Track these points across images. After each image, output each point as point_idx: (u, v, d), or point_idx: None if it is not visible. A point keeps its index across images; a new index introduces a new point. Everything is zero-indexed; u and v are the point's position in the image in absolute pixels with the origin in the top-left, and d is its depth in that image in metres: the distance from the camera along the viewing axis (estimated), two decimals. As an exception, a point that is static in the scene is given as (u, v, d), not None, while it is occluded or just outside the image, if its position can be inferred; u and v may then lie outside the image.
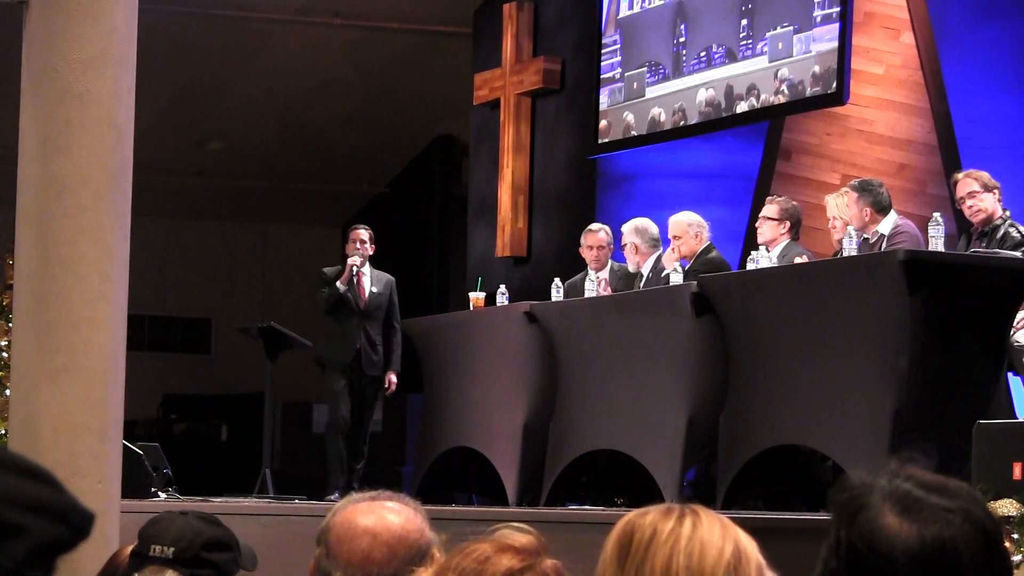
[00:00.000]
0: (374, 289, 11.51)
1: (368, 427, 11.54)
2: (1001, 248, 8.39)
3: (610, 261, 10.77)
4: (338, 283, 11.43)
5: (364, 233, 11.54)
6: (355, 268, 11.40)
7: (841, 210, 9.30)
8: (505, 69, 13.53)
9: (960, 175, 8.91)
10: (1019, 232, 8.54)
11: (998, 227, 8.59)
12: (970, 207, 8.64)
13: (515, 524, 2.42)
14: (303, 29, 15.47)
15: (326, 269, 11.66)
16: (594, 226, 10.94)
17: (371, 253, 11.54)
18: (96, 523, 1.76)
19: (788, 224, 9.59)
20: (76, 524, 1.68)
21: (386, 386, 11.51)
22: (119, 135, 5.85)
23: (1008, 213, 8.71)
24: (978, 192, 8.66)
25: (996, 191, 8.70)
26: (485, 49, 14.00)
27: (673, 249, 10.05)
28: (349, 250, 11.55)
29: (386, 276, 11.64)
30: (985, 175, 8.85)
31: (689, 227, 10.01)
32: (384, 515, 2.98)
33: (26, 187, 5.88)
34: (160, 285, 17.71)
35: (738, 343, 8.81)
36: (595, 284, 10.44)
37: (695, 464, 9.19)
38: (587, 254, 10.79)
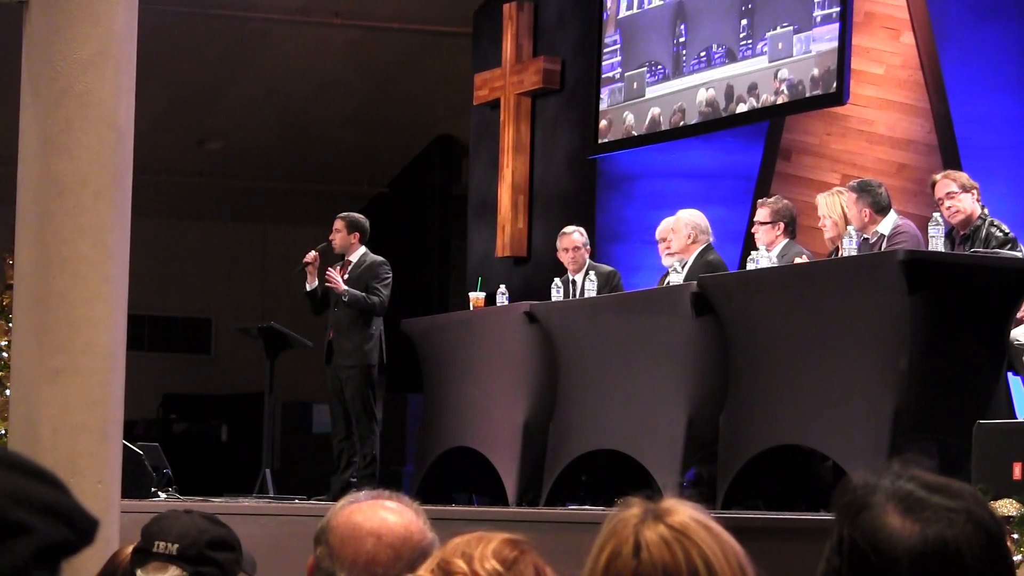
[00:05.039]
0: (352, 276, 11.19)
1: (368, 424, 11.07)
2: (987, 248, 8.40)
3: (587, 261, 10.76)
4: (306, 284, 11.31)
5: (337, 222, 11.28)
6: (307, 264, 11.21)
7: (831, 208, 9.29)
8: (505, 69, 13.53)
9: (938, 176, 8.91)
10: (1001, 231, 8.55)
11: (979, 228, 8.60)
12: (948, 208, 8.65)
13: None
14: (303, 29, 15.46)
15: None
16: (568, 228, 10.92)
17: (353, 241, 11.16)
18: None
19: (782, 225, 9.57)
20: (81, 528, 1.71)
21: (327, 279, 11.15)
22: (119, 135, 5.84)
23: (987, 211, 8.72)
24: (956, 193, 8.68)
25: (974, 191, 8.71)
26: (485, 49, 14.00)
27: (664, 239, 10.06)
28: None
29: (369, 260, 11.25)
30: (963, 176, 8.86)
31: (684, 226, 9.97)
32: (386, 516, 2.99)
33: (26, 187, 5.87)
34: (160, 285, 17.69)
35: (738, 343, 8.80)
36: (560, 288, 10.44)
37: (695, 464, 9.18)
38: (564, 257, 10.78)
